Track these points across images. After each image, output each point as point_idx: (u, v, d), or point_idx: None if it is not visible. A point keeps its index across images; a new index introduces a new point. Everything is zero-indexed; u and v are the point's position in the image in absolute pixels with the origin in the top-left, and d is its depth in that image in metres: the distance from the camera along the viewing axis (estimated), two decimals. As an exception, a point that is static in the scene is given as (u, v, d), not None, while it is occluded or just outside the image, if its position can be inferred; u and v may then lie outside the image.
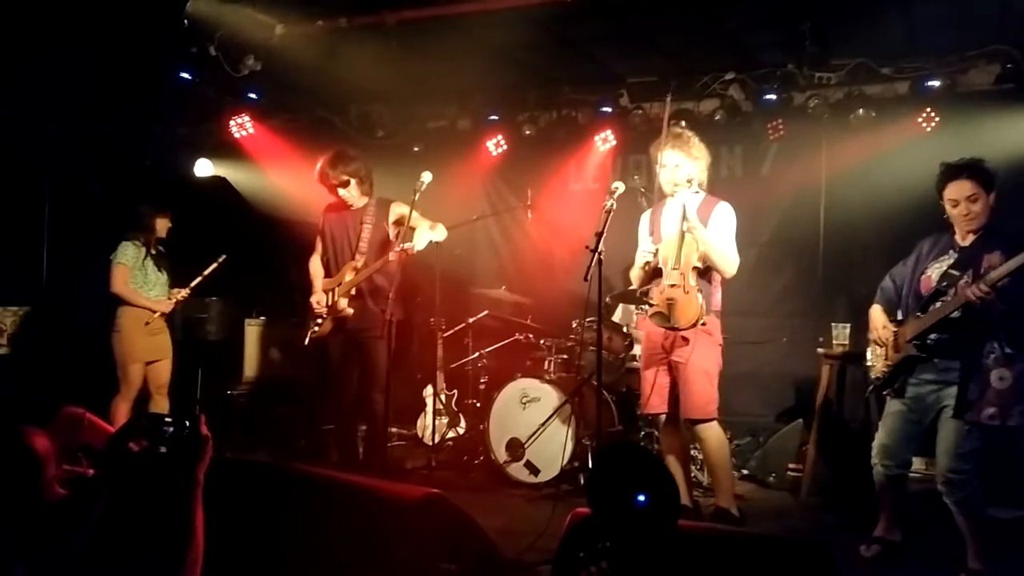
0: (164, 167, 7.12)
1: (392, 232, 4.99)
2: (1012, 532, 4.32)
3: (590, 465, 5.06)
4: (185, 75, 6.29)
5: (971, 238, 3.64)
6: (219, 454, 1.95)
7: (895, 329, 3.80)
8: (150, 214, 5.58)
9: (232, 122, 6.98)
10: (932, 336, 3.63)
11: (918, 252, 3.86)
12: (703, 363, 4.18)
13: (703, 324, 4.14)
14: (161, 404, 5.53)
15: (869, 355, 3.99)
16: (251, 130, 7.04)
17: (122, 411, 5.37)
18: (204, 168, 7.37)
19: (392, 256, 4.62)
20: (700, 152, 4.34)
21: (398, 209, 4.98)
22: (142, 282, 5.48)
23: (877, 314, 3.91)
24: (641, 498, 1.90)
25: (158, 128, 6.98)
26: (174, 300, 5.58)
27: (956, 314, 3.52)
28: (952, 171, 3.65)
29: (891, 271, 3.99)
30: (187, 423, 1.88)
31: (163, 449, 1.85)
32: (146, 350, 5.47)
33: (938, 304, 3.61)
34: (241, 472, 2.65)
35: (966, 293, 3.42)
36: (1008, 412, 3.45)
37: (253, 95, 6.92)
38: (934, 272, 3.69)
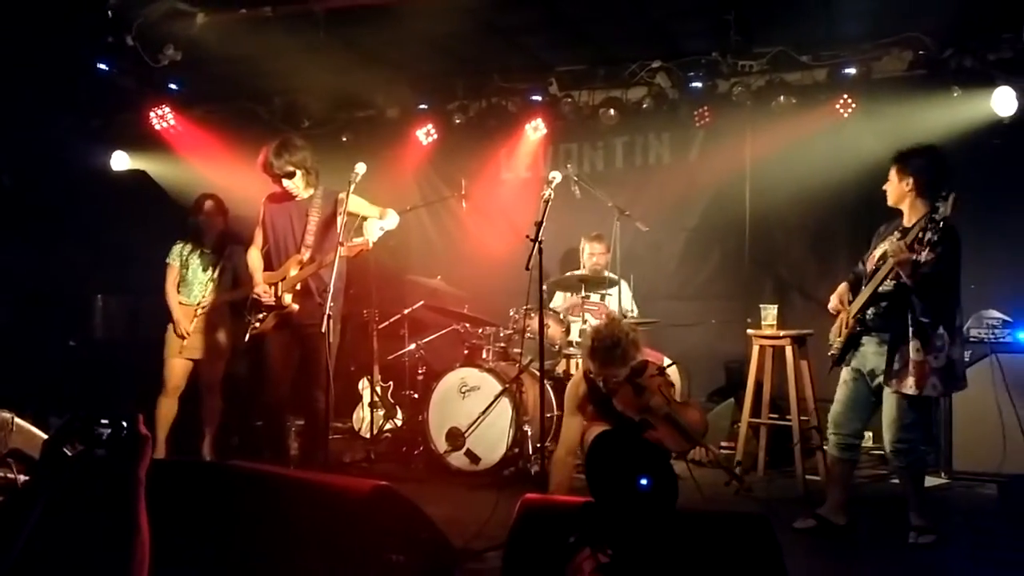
0: (79, 161, 6.83)
1: (340, 223, 4.78)
2: (932, 499, 4.53)
3: (530, 450, 5.11)
4: (102, 65, 6.05)
5: (915, 218, 3.84)
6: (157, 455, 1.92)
7: (847, 308, 3.99)
8: (194, 210, 5.46)
9: (152, 113, 6.74)
10: (870, 311, 3.85)
11: (876, 235, 4.05)
12: None
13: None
14: (210, 403, 5.42)
15: (831, 335, 4.13)
16: (172, 122, 6.81)
17: (164, 407, 5.30)
18: (120, 161, 7.12)
19: (345, 252, 4.39)
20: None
21: (352, 200, 4.58)
22: (183, 281, 5.41)
23: (843, 287, 4.09)
24: (644, 481, 1.95)
25: (71, 121, 6.69)
26: (192, 314, 5.38)
27: (886, 287, 3.74)
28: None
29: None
30: (124, 423, 1.83)
31: (100, 451, 1.80)
32: (179, 346, 5.35)
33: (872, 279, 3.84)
34: (185, 472, 2.59)
35: (889, 253, 3.63)
36: (923, 383, 3.64)
37: (174, 85, 6.70)
38: (878, 251, 3.91)
